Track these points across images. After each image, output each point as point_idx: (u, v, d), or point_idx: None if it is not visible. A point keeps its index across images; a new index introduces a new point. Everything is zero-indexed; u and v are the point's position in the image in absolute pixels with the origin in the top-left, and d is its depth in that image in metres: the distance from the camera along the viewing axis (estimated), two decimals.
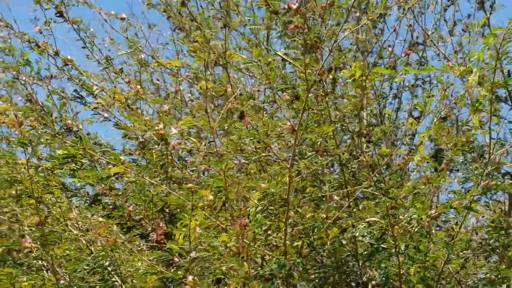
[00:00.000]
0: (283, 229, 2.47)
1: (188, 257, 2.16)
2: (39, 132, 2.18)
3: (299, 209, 2.74)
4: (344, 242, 2.84)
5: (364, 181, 2.85)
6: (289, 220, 2.53)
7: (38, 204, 2.12)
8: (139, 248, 2.93)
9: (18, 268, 2.67)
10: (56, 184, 2.83)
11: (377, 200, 2.70)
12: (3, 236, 3.05)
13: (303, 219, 2.66)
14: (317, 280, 2.92)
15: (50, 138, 2.39)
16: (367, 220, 2.62)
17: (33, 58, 3.40)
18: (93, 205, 3.20)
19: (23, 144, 2.06)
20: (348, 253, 2.93)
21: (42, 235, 2.15)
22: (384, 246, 2.72)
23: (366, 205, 2.61)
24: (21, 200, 2.90)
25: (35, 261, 2.85)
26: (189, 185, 2.01)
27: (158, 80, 3.87)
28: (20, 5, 3.62)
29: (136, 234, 3.21)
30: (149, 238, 3.17)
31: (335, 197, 2.87)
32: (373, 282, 3.05)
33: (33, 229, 2.47)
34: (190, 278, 2.22)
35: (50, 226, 2.55)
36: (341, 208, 2.75)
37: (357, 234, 2.65)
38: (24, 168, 2.07)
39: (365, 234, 2.61)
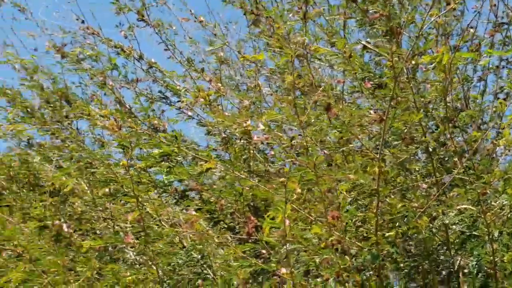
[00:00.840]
0: (373, 220, 2.46)
1: (281, 250, 2.20)
2: (137, 133, 2.28)
3: (387, 199, 2.72)
4: (434, 230, 2.79)
5: (452, 169, 2.79)
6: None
7: (138, 202, 2.23)
8: (228, 241, 3.01)
9: (117, 264, 2.81)
10: (149, 182, 2.96)
11: (467, 187, 2.63)
12: (99, 233, 3.22)
13: (392, 209, 2.63)
14: (407, 270, 2.88)
15: (147, 137, 2.49)
16: (458, 207, 2.57)
17: (119, 62, 3.55)
18: (181, 201, 3.31)
19: (123, 146, 2.17)
20: (439, 242, 2.87)
21: (143, 230, 2.25)
22: (476, 234, 2.65)
23: (457, 192, 2.55)
24: (116, 198, 3.05)
25: (128, 256, 2.99)
26: (282, 179, 2.04)
27: (240, 75, 3.93)
28: (101, 5, 3.77)
29: (223, 227, 3.30)
30: (236, 231, 3.25)
31: (423, 186, 2.83)
32: (465, 271, 2.97)
33: (130, 225, 2.59)
34: (283, 270, 2.26)
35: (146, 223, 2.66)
36: (429, 197, 2.70)
37: (447, 222, 2.60)
38: (125, 168, 2.18)
39: (456, 221, 2.55)
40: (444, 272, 3.11)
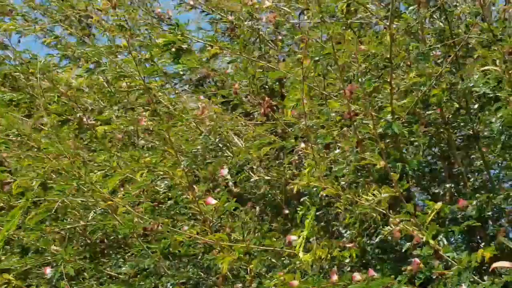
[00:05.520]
0: (388, 90, 2.43)
1: (300, 126, 2.21)
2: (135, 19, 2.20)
3: (401, 67, 2.67)
4: (453, 96, 2.76)
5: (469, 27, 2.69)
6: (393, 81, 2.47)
7: (148, 89, 2.20)
8: (245, 124, 3.03)
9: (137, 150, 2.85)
10: (158, 72, 2.93)
11: (492, 47, 2.55)
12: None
13: (407, 78, 2.59)
14: (426, 139, 2.87)
15: (148, 27, 2.42)
16: (482, 69, 2.50)
17: None
18: (197, 89, 3.31)
19: (121, 26, 2.10)
20: (458, 107, 2.84)
21: (155, 114, 2.25)
22: (500, 95, 2.59)
23: (481, 54, 2.48)
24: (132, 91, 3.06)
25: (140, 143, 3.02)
26: (299, 55, 2.00)
27: None
28: None
29: (240, 113, 3.31)
30: (251, 116, 3.26)
31: (438, 53, 2.75)
32: (485, 133, 2.96)
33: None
34: (302, 145, 2.28)
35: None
36: (447, 62, 2.64)
37: (471, 85, 2.53)
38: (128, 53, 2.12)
39: (481, 84, 2.48)
40: (462, 137, 3.11)
